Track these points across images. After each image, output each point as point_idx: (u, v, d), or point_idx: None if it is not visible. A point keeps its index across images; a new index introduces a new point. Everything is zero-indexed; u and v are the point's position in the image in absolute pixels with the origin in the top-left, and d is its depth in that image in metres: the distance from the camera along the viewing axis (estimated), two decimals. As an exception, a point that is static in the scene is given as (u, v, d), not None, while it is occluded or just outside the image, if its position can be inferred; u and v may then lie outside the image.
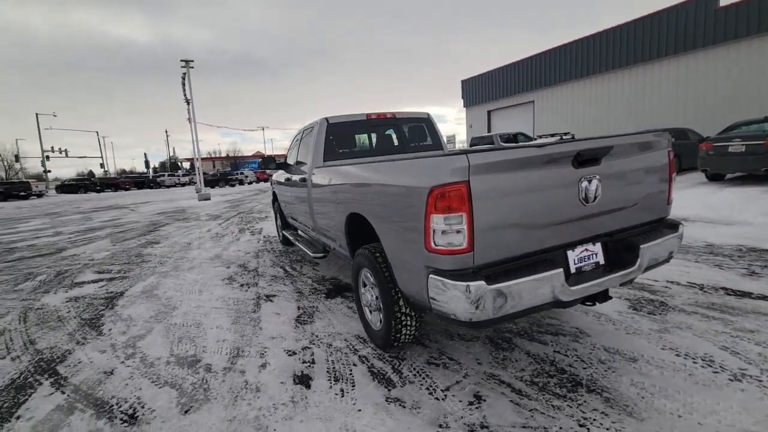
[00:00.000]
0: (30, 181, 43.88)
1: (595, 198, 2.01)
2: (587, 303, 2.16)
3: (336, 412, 2.06)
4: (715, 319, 2.73)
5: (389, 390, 2.22)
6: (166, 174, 50.20)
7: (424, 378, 2.32)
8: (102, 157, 61.31)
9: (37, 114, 45.02)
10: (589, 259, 2.08)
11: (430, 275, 1.83)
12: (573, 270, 2.03)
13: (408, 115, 4.60)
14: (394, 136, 4.90)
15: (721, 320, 2.70)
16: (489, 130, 24.53)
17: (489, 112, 25.35)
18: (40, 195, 35.22)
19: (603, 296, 2.14)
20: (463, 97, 27.19)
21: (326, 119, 4.06)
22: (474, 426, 1.89)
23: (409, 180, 1.96)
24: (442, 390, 2.19)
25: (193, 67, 18.95)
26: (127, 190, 41.00)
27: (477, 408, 2.02)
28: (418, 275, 1.95)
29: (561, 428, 1.82)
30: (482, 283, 1.69)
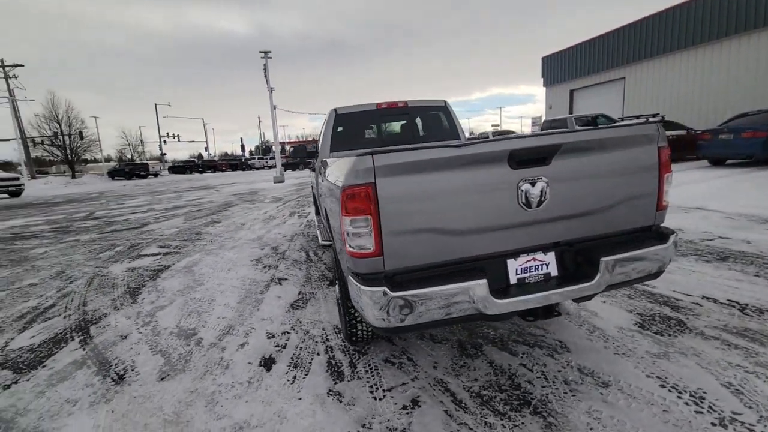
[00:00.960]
0: (149, 162, 51.42)
1: (541, 202, 1.78)
2: (528, 318, 1.95)
3: (278, 397, 2.18)
4: (737, 348, 2.27)
5: (336, 383, 2.27)
6: (257, 157, 55.00)
7: (373, 375, 2.32)
8: (206, 141, 69.45)
9: (156, 104, 51.96)
10: (536, 269, 1.87)
11: (349, 277, 1.82)
12: (513, 281, 1.84)
13: (422, 103, 4.46)
14: (407, 126, 4.80)
15: (745, 350, 2.24)
16: (571, 111, 22.37)
17: (571, 92, 23.03)
18: (156, 175, 41.07)
19: (545, 312, 1.92)
20: (543, 76, 25.04)
21: (335, 110, 4.11)
22: (395, 431, 1.86)
23: (336, 178, 1.94)
24: (384, 390, 2.17)
25: (271, 58, 20.21)
26: (223, 171, 45.72)
27: (408, 413, 1.97)
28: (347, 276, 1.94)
29: (479, 448, 1.71)
30: (384, 289, 1.63)
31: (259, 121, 74.03)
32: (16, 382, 2.50)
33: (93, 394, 2.32)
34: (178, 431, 1.97)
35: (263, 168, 47.24)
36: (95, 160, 53.56)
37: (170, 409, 2.15)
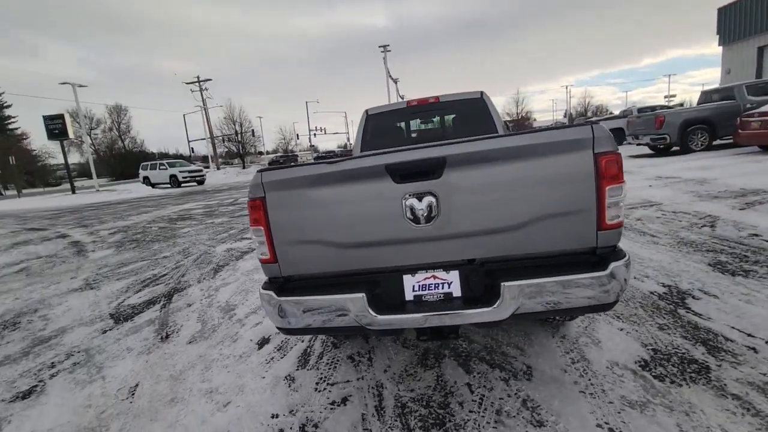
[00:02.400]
0: (298, 153, 59.48)
1: (431, 218, 1.67)
2: (421, 338, 1.84)
3: (249, 373, 2.56)
4: (760, 415, 1.69)
5: (297, 369, 2.54)
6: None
7: (329, 368, 2.50)
8: (347, 133, 76.52)
9: (306, 102, 59.37)
10: (436, 288, 1.76)
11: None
12: (410, 297, 1.78)
13: (455, 97, 4.22)
14: (438, 122, 4.60)
15: (764, 417, 1.65)
16: (759, 75, 17.11)
17: (760, 50, 17.52)
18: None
19: (436, 333, 1.79)
20: (718, 33, 19.66)
21: (366, 111, 4.24)
22: (308, 422, 2.03)
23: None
24: (328, 383, 2.35)
25: (390, 51, 21.01)
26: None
27: (331, 409, 2.11)
28: None
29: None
30: (272, 293, 1.80)
31: (393, 111, 77.21)
32: (110, 329, 3.50)
33: (143, 347, 3.10)
34: (173, 385, 2.53)
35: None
36: (260, 153, 64.55)
37: (179, 367, 2.75)
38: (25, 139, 50.50)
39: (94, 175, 28.12)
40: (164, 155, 62.62)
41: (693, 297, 2.80)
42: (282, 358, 2.70)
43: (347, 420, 2.01)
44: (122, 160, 55.17)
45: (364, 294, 1.70)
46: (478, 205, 1.68)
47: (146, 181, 26.91)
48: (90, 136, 60.48)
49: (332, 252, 1.80)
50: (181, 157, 55.64)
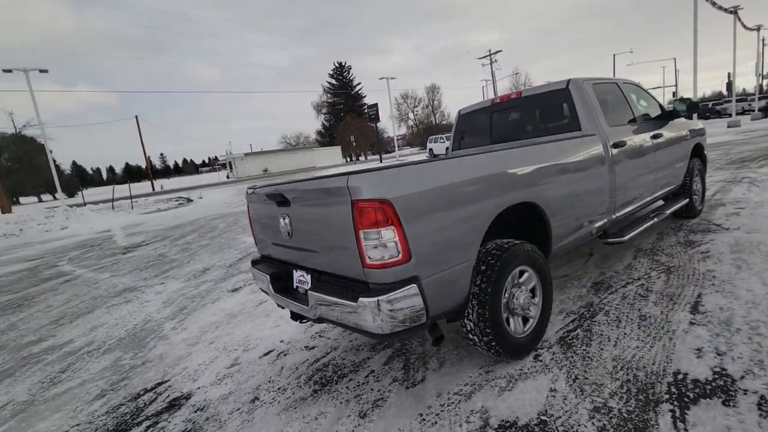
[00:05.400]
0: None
1: (291, 233, 2.38)
2: (292, 318, 2.70)
3: (265, 323, 3.72)
4: None
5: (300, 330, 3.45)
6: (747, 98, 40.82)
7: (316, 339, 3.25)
8: (675, 84, 59.60)
9: (614, 55, 50.60)
10: (302, 284, 2.39)
11: None
12: (295, 286, 2.48)
13: (538, 90, 3.66)
14: (519, 119, 3.85)
15: None
16: None
17: None
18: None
19: (295, 315, 2.62)
20: None
21: (459, 111, 4.50)
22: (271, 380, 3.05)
23: None
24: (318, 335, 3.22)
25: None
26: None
27: (272, 361, 3.03)
28: None
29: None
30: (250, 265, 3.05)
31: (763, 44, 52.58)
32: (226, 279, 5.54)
33: (231, 292, 4.86)
34: (223, 318, 4.08)
35: (739, 114, 35.00)
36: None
37: (227, 306, 4.29)
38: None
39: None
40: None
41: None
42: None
43: (296, 359, 2.89)
44: (433, 133, 66.45)
45: (268, 276, 2.58)
46: (306, 230, 2.28)
47: (430, 152, 31.91)
48: (413, 112, 75.77)
49: (270, 246, 2.79)
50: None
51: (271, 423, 2.23)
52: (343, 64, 74.02)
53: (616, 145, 3.28)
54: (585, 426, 1.82)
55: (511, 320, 2.37)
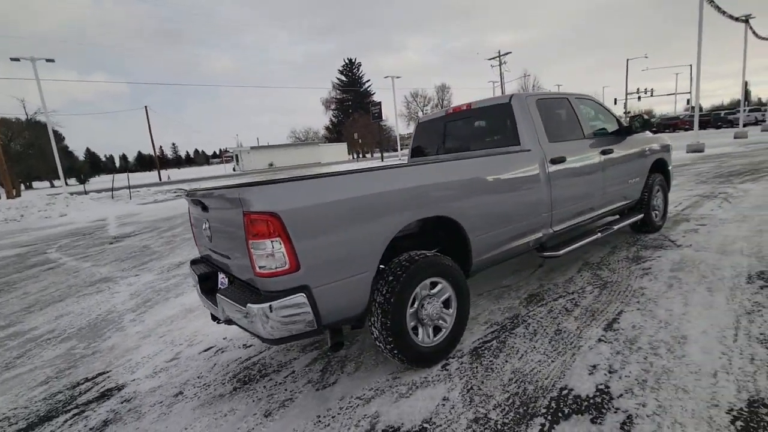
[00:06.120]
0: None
1: (211, 238, 2.53)
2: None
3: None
4: None
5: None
6: (746, 110, 40.24)
7: (255, 338, 3.47)
8: (690, 92, 58.66)
9: (627, 60, 49.93)
10: (223, 286, 2.54)
11: None
12: (219, 285, 2.59)
13: (484, 103, 3.76)
14: (468, 131, 3.93)
15: None
16: None
17: None
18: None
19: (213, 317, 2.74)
20: None
21: (418, 118, 4.60)
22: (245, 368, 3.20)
23: None
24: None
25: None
26: (686, 130, 38.00)
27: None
28: None
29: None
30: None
31: (782, 55, 51.41)
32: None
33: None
34: (180, 312, 4.25)
35: (752, 124, 34.36)
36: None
37: (188, 301, 4.45)
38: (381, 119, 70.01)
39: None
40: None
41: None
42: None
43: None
44: (440, 132, 66.31)
45: (198, 276, 2.69)
46: (219, 236, 2.42)
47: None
48: (423, 111, 75.53)
49: (204, 246, 2.90)
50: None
51: (183, 417, 2.36)
52: (353, 60, 74.18)
53: (554, 161, 3.34)
54: (459, 435, 1.91)
55: (420, 329, 2.46)
